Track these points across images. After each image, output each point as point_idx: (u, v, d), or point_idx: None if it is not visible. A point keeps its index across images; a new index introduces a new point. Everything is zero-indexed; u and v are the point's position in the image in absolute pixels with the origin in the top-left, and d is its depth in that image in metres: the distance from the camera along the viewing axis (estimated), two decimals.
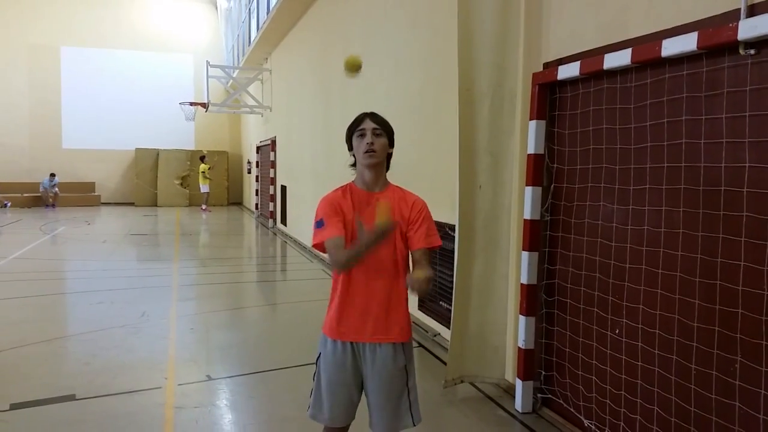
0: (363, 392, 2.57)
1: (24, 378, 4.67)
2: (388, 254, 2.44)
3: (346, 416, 2.56)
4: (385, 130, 2.48)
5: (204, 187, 20.74)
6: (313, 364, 2.64)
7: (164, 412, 4.10)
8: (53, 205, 20.73)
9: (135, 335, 5.89)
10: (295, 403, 4.08)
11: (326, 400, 2.54)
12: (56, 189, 20.94)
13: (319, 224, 2.44)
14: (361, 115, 2.51)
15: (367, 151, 2.42)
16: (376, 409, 2.51)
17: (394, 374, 2.50)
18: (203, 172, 20.61)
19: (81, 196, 22.07)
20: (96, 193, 22.66)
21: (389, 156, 2.54)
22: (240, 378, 4.87)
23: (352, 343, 2.49)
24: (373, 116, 2.49)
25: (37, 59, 22.15)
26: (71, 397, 4.29)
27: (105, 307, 7.04)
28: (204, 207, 20.84)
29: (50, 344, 5.59)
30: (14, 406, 4.12)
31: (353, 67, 2.64)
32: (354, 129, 2.48)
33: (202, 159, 21.30)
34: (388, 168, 2.57)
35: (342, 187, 2.55)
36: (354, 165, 2.55)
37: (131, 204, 22.72)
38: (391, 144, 2.53)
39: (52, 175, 20.90)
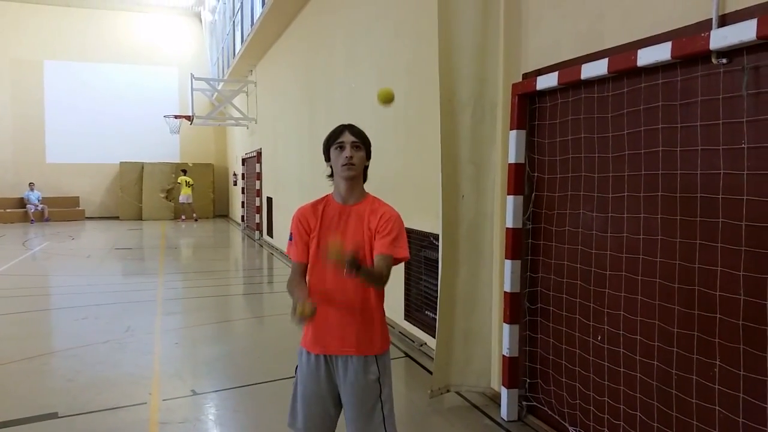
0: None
1: (5, 396, 4.61)
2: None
3: (322, 428, 2.56)
4: (363, 142, 2.49)
5: (187, 197, 21.11)
6: None
7: (149, 428, 4.06)
8: (47, 219, 20.68)
9: (119, 350, 5.84)
10: (282, 416, 4.01)
11: (301, 410, 2.54)
12: (40, 205, 20.89)
13: (290, 237, 2.57)
14: (339, 127, 2.51)
15: (345, 165, 2.42)
16: (350, 422, 2.51)
17: (366, 387, 2.48)
18: (187, 181, 21.07)
19: (65, 210, 21.86)
20: (80, 208, 22.46)
21: (366, 168, 2.56)
22: (226, 392, 4.85)
23: (326, 355, 2.49)
24: (351, 128, 2.50)
25: (19, 73, 21.98)
26: (54, 415, 4.24)
27: (89, 322, 6.97)
28: (185, 218, 21.27)
29: (33, 361, 5.52)
30: None
31: (386, 98, 2.63)
32: (332, 141, 2.48)
33: (184, 172, 21.64)
34: (365, 180, 2.57)
35: (318, 199, 2.58)
36: (331, 176, 2.56)
37: (116, 218, 22.54)
38: (368, 156, 2.54)
39: (31, 184, 20.82)
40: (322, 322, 2.45)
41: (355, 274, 2.13)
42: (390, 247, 2.41)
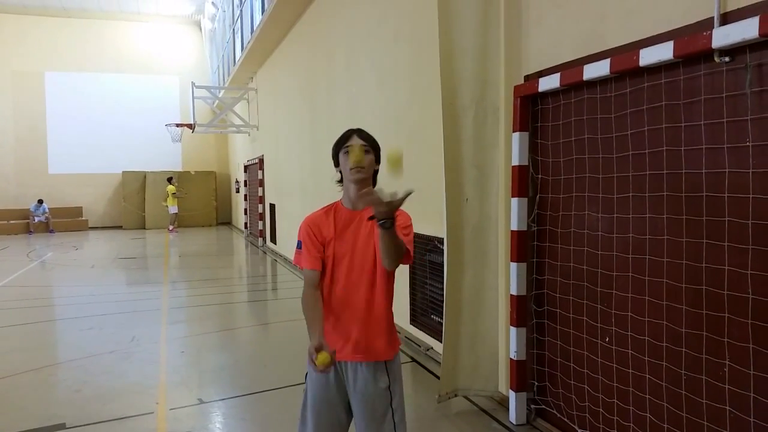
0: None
1: (13, 408, 4.60)
2: (366, 271, 2.42)
3: None
4: (372, 146, 2.46)
5: (172, 208, 20.97)
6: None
7: None
8: (52, 230, 20.77)
9: (125, 360, 5.83)
10: (289, 424, 4.03)
11: (311, 418, 2.51)
12: (47, 215, 20.96)
13: (298, 245, 2.49)
14: (348, 131, 2.50)
15: (354, 167, 2.41)
16: (361, 430, 2.48)
17: (377, 394, 2.45)
18: (174, 193, 20.87)
19: (69, 221, 21.92)
20: (83, 218, 22.51)
21: (375, 173, 2.53)
22: (232, 400, 4.83)
23: (335, 362, 2.46)
24: (360, 132, 2.48)
25: (21, 85, 22.05)
26: (61, 426, 4.24)
27: (94, 332, 6.97)
28: (171, 228, 21.01)
29: (39, 372, 5.52)
30: None
31: (395, 162, 2.54)
32: (341, 145, 2.46)
33: (170, 180, 21.42)
34: (374, 184, 2.55)
35: (327, 206, 2.55)
36: (340, 182, 2.54)
37: (119, 227, 22.59)
38: (378, 160, 2.52)
39: (40, 201, 20.94)
40: (332, 327, 2.44)
41: (387, 224, 2.11)
42: (402, 235, 2.32)
